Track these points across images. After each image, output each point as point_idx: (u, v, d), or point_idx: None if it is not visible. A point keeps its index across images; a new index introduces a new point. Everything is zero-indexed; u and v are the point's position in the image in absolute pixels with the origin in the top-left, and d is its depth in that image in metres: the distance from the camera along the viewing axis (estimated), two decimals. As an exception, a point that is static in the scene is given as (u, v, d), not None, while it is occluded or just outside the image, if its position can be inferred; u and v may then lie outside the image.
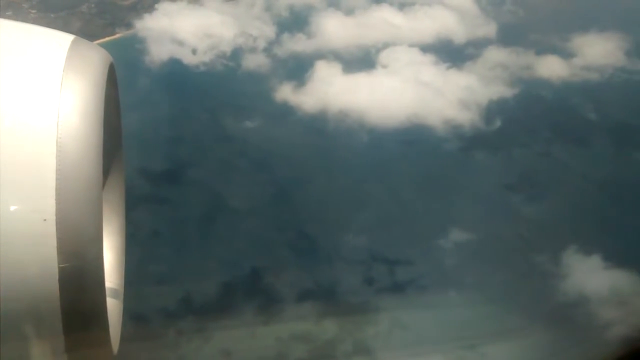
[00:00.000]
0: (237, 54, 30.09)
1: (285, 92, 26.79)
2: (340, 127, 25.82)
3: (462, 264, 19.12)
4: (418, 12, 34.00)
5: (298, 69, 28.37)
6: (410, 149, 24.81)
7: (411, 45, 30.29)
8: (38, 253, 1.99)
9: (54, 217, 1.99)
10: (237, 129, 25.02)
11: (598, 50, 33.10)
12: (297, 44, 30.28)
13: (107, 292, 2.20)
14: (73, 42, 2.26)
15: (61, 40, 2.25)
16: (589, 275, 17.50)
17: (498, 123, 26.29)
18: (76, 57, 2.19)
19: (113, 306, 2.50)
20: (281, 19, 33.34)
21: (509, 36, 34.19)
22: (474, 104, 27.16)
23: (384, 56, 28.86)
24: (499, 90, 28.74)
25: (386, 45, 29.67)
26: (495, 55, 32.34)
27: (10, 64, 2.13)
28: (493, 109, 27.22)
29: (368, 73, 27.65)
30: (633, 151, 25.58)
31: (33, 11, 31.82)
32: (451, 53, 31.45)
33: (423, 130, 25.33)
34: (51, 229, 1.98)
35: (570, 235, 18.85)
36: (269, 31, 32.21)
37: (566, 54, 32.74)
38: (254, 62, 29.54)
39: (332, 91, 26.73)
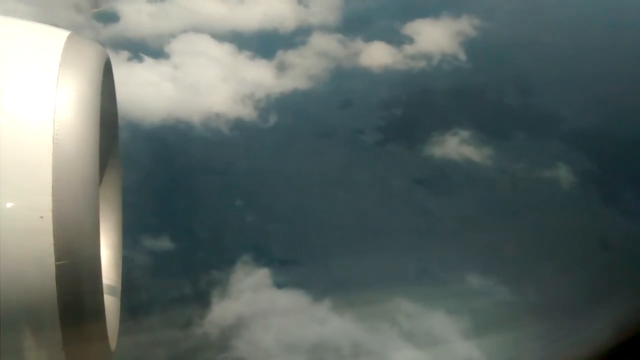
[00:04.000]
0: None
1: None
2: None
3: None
4: (245, -1, 31.69)
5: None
6: (166, 146, 22.56)
7: (212, 35, 27.96)
8: (34, 250, 1.93)
9: (51, 214, 1.93)
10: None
11: (432, 37, 30.62)
12: (90, 33, 27.99)
13: (105, 289, 2.14)
14: (69, 37, 2.19)
15: (57, 36, 2.20)
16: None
17: (275, 119, 23.92)
18: (72, 53, 2.14)
19: (110, 303, 2.44)
20: (102, 8, 31.18)
21: (345, 23, 31.86)
22: (257, 97, 24.79)
23: (173, 46, 26.54)
24: (297, 83, 26.37)
25: (182, 34, 27.35)
26: (319, 43, 29.96)
27: (5, 60, 2.06)
28: (279, 103, 24.85)
29: (147, 64, 25.35)
30: (421, 148, 23.15)
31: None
32: (264, 42, 29.09)
33: (184, 126, 23.05)
34: (48, 226, 1.93)
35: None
36: (78, 21, 30.00)
37: (397, 41, 30.29)
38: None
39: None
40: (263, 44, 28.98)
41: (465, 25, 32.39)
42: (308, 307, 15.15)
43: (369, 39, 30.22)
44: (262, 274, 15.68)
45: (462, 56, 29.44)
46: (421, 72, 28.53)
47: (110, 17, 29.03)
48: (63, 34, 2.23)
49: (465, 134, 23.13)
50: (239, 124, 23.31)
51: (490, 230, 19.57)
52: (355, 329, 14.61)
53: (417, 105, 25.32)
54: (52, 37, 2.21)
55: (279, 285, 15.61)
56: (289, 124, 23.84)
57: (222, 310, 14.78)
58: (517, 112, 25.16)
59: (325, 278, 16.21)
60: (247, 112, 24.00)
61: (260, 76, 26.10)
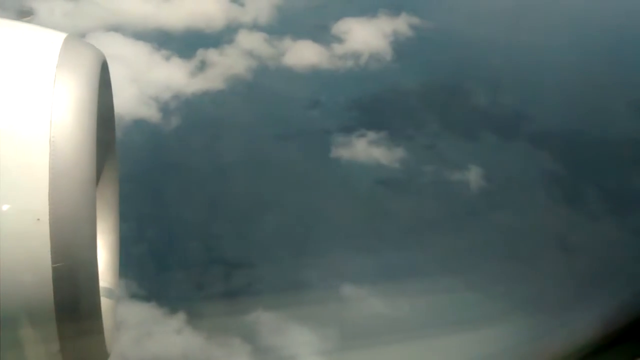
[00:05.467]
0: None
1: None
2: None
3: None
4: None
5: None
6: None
7: (133, 34, 27.04)
8: (31, 253, 1.94)
9: (47, 217, 1.94)
10: None
11: (363, 36, 29.67)
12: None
13: (102, 292, 2.13)
14: (66, 40, 2.22)
15: (54, 38, 2.23)
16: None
17: (178, 121, 22.93)
18: (69, 55, 2.16)
19: (107, 306, 2.41)
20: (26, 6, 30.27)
21: (278, 22, 30.92)
22: (164, 99, 23.83)
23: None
24: (212, 83, 25.39)
25: (92, 33, 26.33)
26: (244, 43, 29.04)
27: (2, 62, 2.09)
28: (187, 105, 23.87)
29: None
30: (328, 150, 22.16)
31: None
32: (187, 41, 28.15)
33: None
34: (44, 228, 1.93)
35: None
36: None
37: (326, 40, 29.34)
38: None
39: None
40: (185, 43, 28.04)
41: (402, 24, 31.49)
42: (159, 320, 14.15)
43: (298, 37, 29.28)
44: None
45: (392, 56, 28.52)
46: (348, 72, 27.59)
47: (26, 16, 28.06)
48: (60, 36, 2.22)
49: (373, 135, 22.17)
50: (138, 126, 22.33)
51: (388, 238, 18.62)
52: (202, 344, 13.61)
53: (331, 106, 24.37)
54: (49, 39, 2.21)
55: (132, 297, 14.61)
56: (192, 126, 22.86)
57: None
58: (436, 113, 24.22)
59: (186, 290, 15.24)
60: (150, 114, 23.04)
61: (173, 76, 25.15)
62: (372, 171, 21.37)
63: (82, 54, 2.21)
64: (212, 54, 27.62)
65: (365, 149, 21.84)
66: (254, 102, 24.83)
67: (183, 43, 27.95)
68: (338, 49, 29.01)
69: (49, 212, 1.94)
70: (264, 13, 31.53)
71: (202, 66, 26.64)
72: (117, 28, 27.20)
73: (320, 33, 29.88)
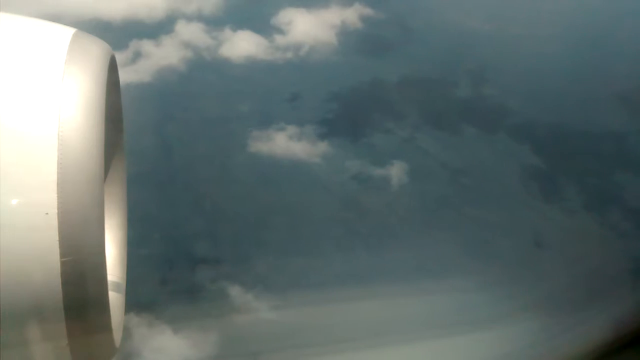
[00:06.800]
0: None
1: None
2: None
3: None
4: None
5: None
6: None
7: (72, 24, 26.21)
8: (39, 247, 1.94)
9: (56, 211, 1.93)
10: None
11: (308, 27, 28.74)
12: None
13: (110, 286, 2.13)
14: (74, 35, 2.20)
15: (62, 34, 2.21)
16: None
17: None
18: (78, 50, 2.15)
19: (115, 300, 2.44)
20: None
21: (222, 13, 30.07)
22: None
23: None
24: (136, 76, 24.44)
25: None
26: (184, 33, 28.21)
27: (11, 58, 2.08)
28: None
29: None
30: (247, 144, 21.25)
31: None
32: (123, 32, 27.36)
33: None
34: (53, 222, 1.93)
35: None
36: None
37: (267, 32, 28.44)
38: None
39: None
40: (121, 33, 27.22)
41: (353, 15, 30.58)
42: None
43: (238, 28, 28.39)
44: None
45: (336, 48, 27.60)
46: (286, 63, 26.71)
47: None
48: (69, 32, 2.23)
49: (294, 129, 21.29)
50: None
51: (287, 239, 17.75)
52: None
53: (258, 98, 23.51)
54: (58, 35, 2.22)
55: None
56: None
57: None
58: (368, 108, 23.33)
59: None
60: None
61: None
62: (292, 167, 20.53)
63: (91, 49, 2.19)
64: (147, 45, 26.82)
65: (284, 143, 21.00)
66: (183, 94, 24.00)
67: (119, 34, 27.13)
68: (280, 40, 28.16)
69: (58, 206, 1.94)
70: (209, 3, 30.71)
71: (135, 57, 25.87)
72: (51, 18, 26.39)
73: (263, 24, 29.01)
